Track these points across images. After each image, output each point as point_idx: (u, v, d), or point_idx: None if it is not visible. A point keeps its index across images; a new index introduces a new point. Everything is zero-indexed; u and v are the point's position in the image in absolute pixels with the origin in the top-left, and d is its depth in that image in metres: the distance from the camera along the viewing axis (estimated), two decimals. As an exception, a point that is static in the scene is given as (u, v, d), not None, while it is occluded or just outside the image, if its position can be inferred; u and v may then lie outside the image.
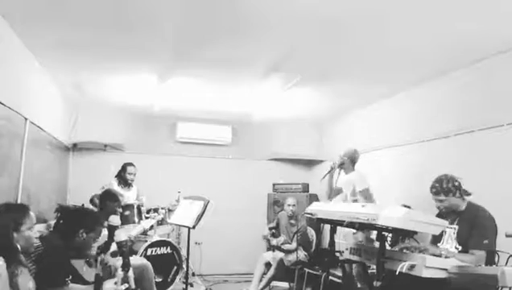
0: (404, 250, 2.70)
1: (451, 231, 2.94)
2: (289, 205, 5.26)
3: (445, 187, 2.89)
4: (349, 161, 4.26)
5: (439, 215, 3.04)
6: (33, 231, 2.20)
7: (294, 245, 5.10)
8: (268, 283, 4.99)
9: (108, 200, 3.98)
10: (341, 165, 4.23)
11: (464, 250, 2.78)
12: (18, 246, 2.04)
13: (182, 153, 6.65)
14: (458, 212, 2.94)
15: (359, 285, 3.83)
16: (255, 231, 6.18)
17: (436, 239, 3.04)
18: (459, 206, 2.93)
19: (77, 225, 2.57)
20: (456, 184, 2.91)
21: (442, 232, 2.93)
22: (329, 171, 4.28)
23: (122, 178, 5.25)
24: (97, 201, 4.27)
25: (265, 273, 5.09)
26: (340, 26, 3.10)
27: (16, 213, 2.15)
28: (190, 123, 6.57)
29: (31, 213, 2.23)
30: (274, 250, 5.29)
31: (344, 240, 3.85)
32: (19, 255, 2.06)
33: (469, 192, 2.94)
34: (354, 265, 3.81)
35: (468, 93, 3.78)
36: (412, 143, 4.46)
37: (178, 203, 5.07)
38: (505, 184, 3.27)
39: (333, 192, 4.27)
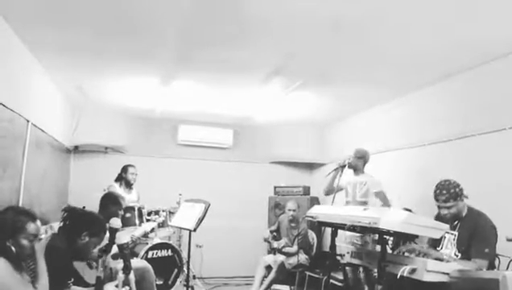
0: (406, 254, 2.70)
1: (451, 237, 2.91)
2: (289, 210, 5.24)
3: (453, 192, 2.81)
4: (363, 162, 4.23)
5: (437, 218, 3.03)
6: (34, 243, 2.14)
7: (295, 248, 5.10)
8: (269, 287, 4.98)
9: (110, 203, 3.96)
10: (355, 166, 4.18)
11: (464, 257, 2.76)
12: (14, 250, 2.03)
13: (183, 156, 6.66)
14: (459, 218, 2.90)
15: (366, 288, 3.82)
16: (256, 234, 6.17)
17: (434, 243, 3.02)
18: (461, 212, 2.88)
19: (82, 227, 2.58)
20: (461, 187, 2.86)
21: (441, 237, 2.91)
22: (337, 168, 4.20)
23: (124, 179, 5.24)
24: None
25: (266, 276, 5.08)
26: (341, 29, 3.11)
27: (19, 217, 2.12)
28: (191, 126, 6.58)
29: (37, 224, 2.16)
30: (275, 253, 5.29)
31: (346, 243, 3.84)
32: (17, 259, 2.05)
33: (467, 196, 2.91)
34: (361, 269, 3.80)
35: (470, 96, 3.79)
36: (413, 147, 4.46)
37: (179, 205, 5.07)
38: (507, 187, 3.27)
39: (335, 190, 4.22)
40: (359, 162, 4.22)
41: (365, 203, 4.02)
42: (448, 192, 2.81)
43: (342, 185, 4.27)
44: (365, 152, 4.29)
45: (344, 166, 4.15)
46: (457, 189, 2.82)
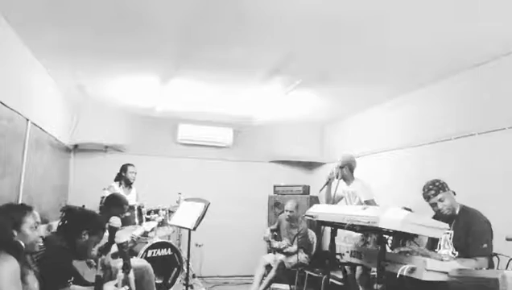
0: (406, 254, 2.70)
1: (446, 236, 2.92)
2: (287, 211, 5.24)
3: (438, 184, 2.93)
4: (348, 170, 4.10)
5: (435, 218, 3.03)
6: (37, 231, 2.20)
7: (295, 247, 5.10)
8: (268, 285, 4.98)
9: (113, 205, 3.96)
10: (342, 176, 4.06)
11: (461, 256, 2.77)
12: (23, 244, 2.05)
13: (183, 155, 6.66)
14: (453, 216, 2.93)
15: (361, 288, 3.81)
16: (256, 233, 6.18)
17: (432, 245, 3.03)
18: (455, 208, 2.93)
19: (81, 226, 2.58)
20: (442, 181, 2.96)
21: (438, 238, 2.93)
22: (327, 183, 4.11)
23: (124, 178, 5.24)
24: None
25: (265, 275, 5.08)
26: (341, 28, 3.11)
27: (16, 212, 2.16)
28: (191, 125, 6.58)
29: (35, 213, 2.23)
30: (274, 253, 5.29)
31: (345, 242, 3.84)
32: (25, 255, 2.07)
33: (454, 192, 2.98)
34: (358, 268, 3.79)
35: (468, 96, 3.79)
36: (413, 146, 4.46)
37: (178, 204, 5.07)
38: (505, 187, 3.27)
39: (332, 202, 4.18)
40: (344, 171, 4.08)
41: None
42: (433, 185, 2.94)
43: (340, 194, 4.20)
44: (348, 159, 4.12)
45: (331, 179, 4.05)
46: (440, 182, 2.95)
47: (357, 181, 4.13)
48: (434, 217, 3.04)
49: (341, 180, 4.09)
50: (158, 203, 5.24)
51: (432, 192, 2.93)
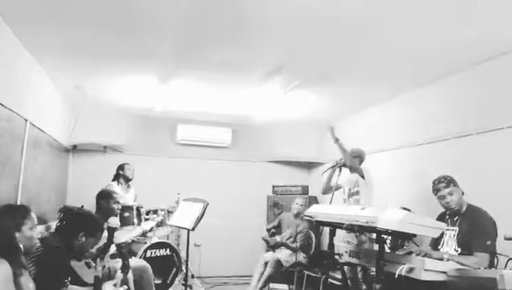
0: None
1: (451, 233, 2.94)
2: (297, 204, 5.38)
3: (449, 178, 2.98)
4: (359, 161, 4.21)
5: (439, 218, 3.05)
6: (35, 231, 2.23)
7: (296, 245, 5.13)
8: (265, 283, 4.97)
9: (101, 199, 3.96)
10: (350, 165, 4.12)
11: (465, 253, 2.78)
12: (21, 247, 2.05)
13: (182, 155, 6.66)
14: (459, 213, 2.95)
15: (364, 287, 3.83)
16: (255, 233, 6.18)
17: (436, 242, 3.04)
18: (462, 205, 2.94)
19: (78, 228, 2.58)
20: (454, 179, 3.00)
21: (442, 234, 2.93)
22: (333, 167, 4.24)
23: (123, 176, 5.24)
24: None
25: (263, 273, 5.08)
26: (341, 28, 3.11)
27: (17, 213, 2.19)
28: (190, 125, 6.58)
29: (32, 214, 2.25)
30: (274, 251, 5.30)
31: (343, 242, 3.84)
32: (21, 256, 2.07)
33: (463, 191, 3.00)
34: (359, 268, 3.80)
35: (467, 95, 3.79)
36: (412, 146, 4.46)
37: (177, 205, 5.08)
38: (504, 187, 3.27)
39: (332, 189, 4.24)
40: (354, 161, 4.17)
41: (357, 194, 4.02)
42: (445, 179, 2.99)
43: (341, 184, 4.26)
44: (362, 151, 4.29)
45: (343, 165, 4.14)
46: (452, 177, 3.01)
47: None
48: (440, 216, 3.06)
49: (343, 171, 4.19)
50: (157, 203, 5.23)
51: (443, 184, 2.97)
